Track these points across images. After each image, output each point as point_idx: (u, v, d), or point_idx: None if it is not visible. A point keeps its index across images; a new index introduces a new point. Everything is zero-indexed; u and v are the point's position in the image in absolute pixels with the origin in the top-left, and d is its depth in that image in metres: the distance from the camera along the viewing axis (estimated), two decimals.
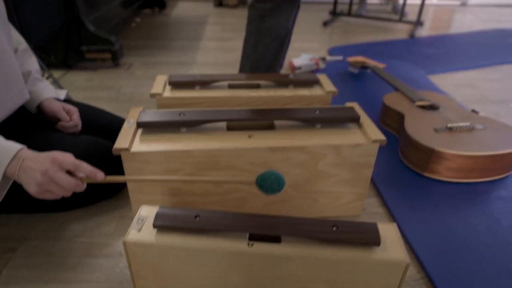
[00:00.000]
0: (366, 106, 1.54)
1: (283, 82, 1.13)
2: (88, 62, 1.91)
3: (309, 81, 1.14)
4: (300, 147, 0.83)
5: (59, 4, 1.73)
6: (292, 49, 2.27)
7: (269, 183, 0.63)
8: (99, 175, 0.68)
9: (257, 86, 1.14)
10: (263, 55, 1.33)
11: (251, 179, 0.64)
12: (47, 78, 1.62)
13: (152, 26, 2.75)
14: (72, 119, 0.99)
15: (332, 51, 2.26)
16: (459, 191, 1.06)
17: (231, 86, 1.14)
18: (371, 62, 1.80)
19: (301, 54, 2.15)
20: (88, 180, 0.69)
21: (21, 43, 1.01)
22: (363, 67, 1.81)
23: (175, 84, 1.10)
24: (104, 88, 1.74)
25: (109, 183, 0.93)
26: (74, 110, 1.00)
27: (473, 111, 1.54)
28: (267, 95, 1.09)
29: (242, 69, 1.43)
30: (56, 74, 1.84)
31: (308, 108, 0.94)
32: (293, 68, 1.93)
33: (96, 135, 1.03)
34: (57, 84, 1.63)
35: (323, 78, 1.17)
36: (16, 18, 1.57)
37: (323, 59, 2.10)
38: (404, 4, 2.73)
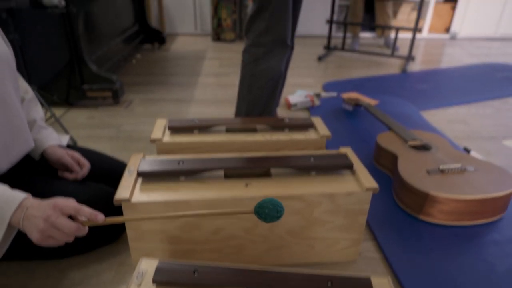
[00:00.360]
0: (361, 144, 1.59)
1: (279, 126, 1.17)
2: (89, 100, 1.96)
3: (304, 125, 1.18)
4: (296, 196, 0.86)
5: (63, 44, 1.79)
6: (288, 84, 2.34)
7: (267, 210, 0.64)
8: (100, 217, 0.71)
9: (254, 130, 1.18)
10: (258, 97, 1.39)
11: (250, 209, 0.66)
12: (49, 118, 1.66)
13: (152, 61, 2.83)
14: (81, 164, 1.02)
15: (326, 87, 2.33)
16: (453, 234, 1.08)
17: (228, 130, 1.18)
18: (364, 100, 1.85)
19: (296, 90, 2.21)
20: (89, 223, 0.71)
21: (28, 91, 1.05)
22: (357, 104, 1.86)
23: (175, 129, 1.14)
24: (104, 126, 1.77)
25: (109, 227, 0.94)
26: (79, 156, 1.03)
27: (465, 149, 1.58)
28: (263, 139, 1.12)
29: (238, 110, 1.48)
30: (58, 112, 1.89)
31: (303, 156, 0.97)
32: (289, 105, 1.99)
33: (98, 180, 1.06)
34: (58, 123, 1.67)
35: (317, 121, 1.22)
36: (22, 58, 1.62)
37: (318, 95, 2.16)
38: (396, 38, 2.83)
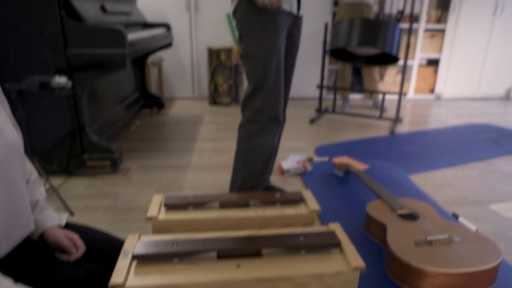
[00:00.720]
0: (352, 212, 1.63)
1: (270, 201, 1.23)
2: (88, 169, 2.02)
3: (295, 200, 1.23)
4: (285, 277, 0.89)
5: (67, 118, 1.89)
6: (282, 149, 2.43)
7: None
8: None
9: (247, 205, 1.23)
10: (252, 171, 1.46)
11: None
12: (48, 189, 1.71)
13: (151, 126, 2.95)
14: (77, 246, 1.05)
15: (318, 151, 2.42)
16: None
17: (222, 206, 1.22)
18: (355, 165, 1.93)
19: (289, 155, 2.30)
20: None
21: (32, 173, 1.11)
22: (348, 171, 1.93)
23: (170, 206, 1.19)
24: (102, 195, 1.82)
25: None
26: (76, 238, 1.06)
27: (454, 215, 1.63)
28: (255, 215, 1.17)
29: (233, 180, 1.54)
30: (57, 181, 1.94)
31: (292, 234, 1.01)
32: (282, 171, 2.05)
33: (95, 258, 1.08)
34: (56, 194, 1.71)
35: (307, 194, 1.27)
36: (26, 133, 1.70)
37: (310, 159, 2.24)
38: (383, 102, 2.99)
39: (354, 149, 2.44)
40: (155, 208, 1.18)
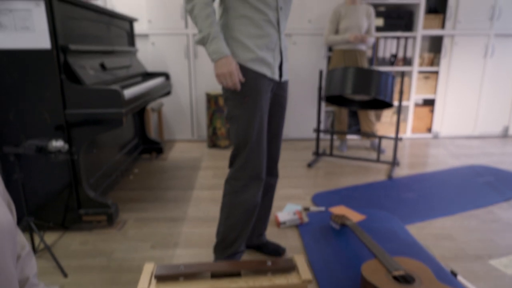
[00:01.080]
0: (347, 269, 1.61)
1: (262, 270, 1.22)
2: (84, 223, 2.02)
3: (286, 268, 1.22)
4: None
5: (64, 176, 1.91)
6: (279, 197, 2.43)
7: None
8: None
9: (238, 275, 1.22)
10: (234, 224, 1.51)
11: None
12: (42, 249, 1.70)
13: (149, 173, 2.97)
14: None
15: (315, 199, 2.41)
16: None
17: (213, 276, 1.21)
18: (351, 216, 1.92)
19: (286, 204, 2.29)
20: None
21: (24, 247, 1.12)
22: (344, 224, 1.92)
23: (161, 278, 1.18)
24: (96, 253, 1.80)
25: None
26: None
27: (452, 272, 1.60)
28: (246, 286, 1.15)
29: (218, 230, 1.59)
30: (53, 237, 1.94)
31: None
32: (278, 223, 2.04)
33: None
34: (50, 253, 1.70)
35: (300, 261, 1.26)
36: (23, 193, 1.72)
37: (307, 209, 2.23)
38: (379, 144, 3.01)
39: (351, 197, 2.44)
40: (146, 279, 1.17)
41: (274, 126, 1.60)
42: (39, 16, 1.69)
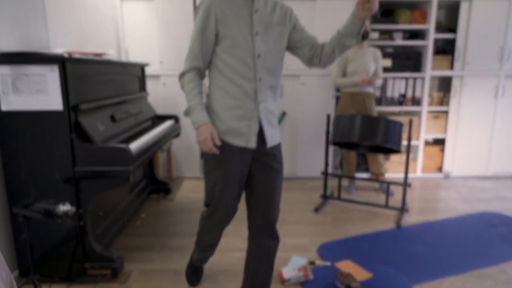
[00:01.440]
0: None
1: None
2: (89, 277, 2.03)
3: None
4: None
5: (71, 235, 1.94)
6: (284, 248, 2.41)
7: None
8: None
9: None
10: (203, 239, 1.81)
11: None
12: None
13: (156, 216, 2.98)
14: None
15: (321, 250, 2.38)
16: None
17: None
18: (358, 273, 1.88)
19: (291, 257, 2.26)
20: None
21: None
22: (349, 286, 1.88)
23: None
24: None
25: None
26: None
27: None
28: None
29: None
30: None
31: None
32: (282, 280, 2.02)
33: None
34: None
35: None
36: (30, 254, 1.74)
37: (312, 263, 2.20)
38: (388, 189, 2.97)
39: (358, 249, 2.40)
40: None
41: (266, 188, 1.60)
42: (53, 80, 1.76)
